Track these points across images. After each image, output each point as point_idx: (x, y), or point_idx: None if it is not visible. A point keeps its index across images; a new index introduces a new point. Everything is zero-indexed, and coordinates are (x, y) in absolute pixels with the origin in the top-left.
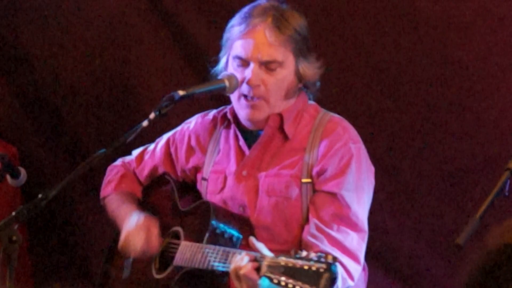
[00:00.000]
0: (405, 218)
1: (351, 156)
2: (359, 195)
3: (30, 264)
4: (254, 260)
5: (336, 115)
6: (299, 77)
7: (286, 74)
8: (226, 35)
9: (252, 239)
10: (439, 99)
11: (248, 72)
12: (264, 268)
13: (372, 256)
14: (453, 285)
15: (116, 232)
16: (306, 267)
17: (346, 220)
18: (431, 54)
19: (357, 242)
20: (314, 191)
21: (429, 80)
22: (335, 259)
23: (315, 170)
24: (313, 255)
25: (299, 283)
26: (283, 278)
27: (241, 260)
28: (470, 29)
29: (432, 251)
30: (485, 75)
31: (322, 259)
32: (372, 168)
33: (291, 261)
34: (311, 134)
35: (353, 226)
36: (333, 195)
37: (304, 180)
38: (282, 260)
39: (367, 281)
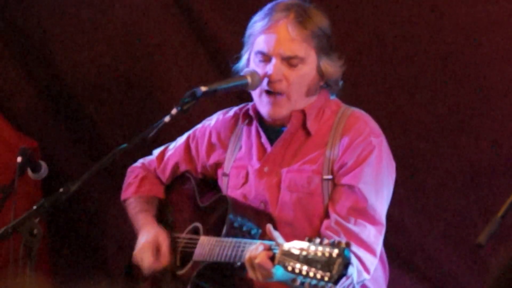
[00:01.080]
0: (425, 217)
1: (372, 149)
2: (377, 188)
3: (49, 258)
4: (269, 249)
5: (358, 110)
6: (321, 74)
7: (307, 70)
8: (248, 31)
9: (270, 227)
10: (462, 97)
11: (270, 67)
12: (278, 256)
13: (392, 255)
14: (474, 284)
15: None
16: (319, 254)
17: (363, 213)
18: (454, 52)
19: (374, 235)
20: (334, 185)
21: (452, 78)
22: (348, 244)
23: (336, 166)
24: (326, 241)
25: (313, 269)
26: (297, 265)
27: (255, 250)
28: (494, 28)
29: (453, 250)
30: (508, 74)
31: (335, 245)
32: (393, 163)
33: (304, 248)
34: (332, 129)
35: (370, 219)
36: (351, 187)
37: (325, 177)
38: (296, 247)
39: (388, 280)
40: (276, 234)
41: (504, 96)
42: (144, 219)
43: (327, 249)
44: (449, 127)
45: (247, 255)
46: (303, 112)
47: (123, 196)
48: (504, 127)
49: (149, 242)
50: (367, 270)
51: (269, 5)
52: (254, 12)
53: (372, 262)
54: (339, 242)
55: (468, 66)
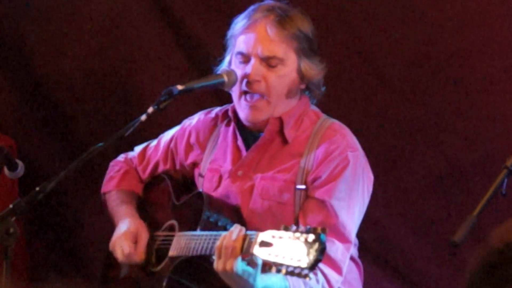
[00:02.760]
0: (402, 216)
1: (346, 164)
2: (350, 205)
3: (26, 258)
4: (244, 237)
5: (337, 122)
6: (301, 76)
7: (287, 71)
8: (229, 32)
9: (242, 229)
10: (438, 98)
11: (248, 68)
12: (254, 244)
13: (370, 253)
14: (450, 283)
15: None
16: (295, 240)
17: (332, 229)
18: (434, 52)
19: (342, 253)
20: (306, 196)
21: (431, 79)
22: (324, 230)
23: (310, 177)
24: (302, 228)
25: (289, 255)
26: (273, 252)
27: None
28: (475, 26)
29: (430, 249)
30: (486, 74)
31: (311, 231)
32: (371, 177)
33: (280, 235)
34: (309, 139)
35: (340, 236)
36: (322, 202)
37: (298, 186)
38: (272, 235)
39: (363, 277)
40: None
41: (482, 95)
42: (126, 209)
43: (303, 235)
44: (427, 126)
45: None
46: (280, 119)
47: (104, 189)
48: (482, 126)
49: (130, 232)
50: (331, 286)
51: (251, 7)
52: (232, 11)
53: (337, 280)
54: (315, 228)
55: (447, 63)
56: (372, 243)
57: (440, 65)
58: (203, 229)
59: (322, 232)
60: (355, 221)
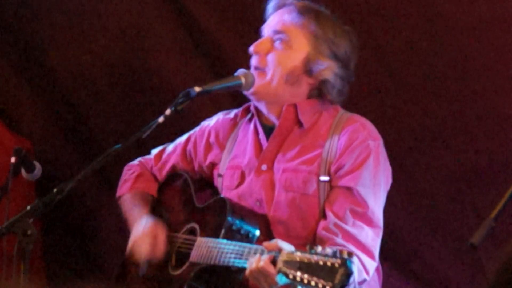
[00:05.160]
0: (420, 218)
1: (369, 152)
2: (375, 191)
3: (43, 258)
4: (273, 258)
5: (356, 114)
6: (307, 67)
7: (292, 55)
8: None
9: (277, 241)
10: (456, 99)
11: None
12: (279, 264)
13: (387, 256)
14: (467, 285)
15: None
16: (321, 263)
17: (361, 215)
18: (449, 53)
19: (372, 238)
20: (331, 187)
21: (447, 80)
22: (350, 254)
23: (333, 168)
24: (328, 250)
25: (315, 278)
26: (298, 273)
27: (259, 257)
28: (488, 27)
29: (447, 251)
30: (503, 75)
31: (338, 254)
32: (389, 167)
33: (306, 257)
34: (330, 131)
35: (369, 221)
36: (349, 189)
37: (322, 178)
38: (298, 255)
39: (381, 281)
40: (280, 243)
41: (500, 98)
42: (140, 211)
43: (330, 259)
44: (444, 129)
45: (253, 264)
46: (294, 106)
47: (119, 192)
48: (500, 129)
49: (147, 232)
50: (367, 271)
51: None
52: (251, 16)
53: (372, 264)
54: (341, 251)
55: (466, 68)
56: (389, 245)
57: (456, 66)
58: (225, 237)
59: (349, 256)
60: (381, 207)
